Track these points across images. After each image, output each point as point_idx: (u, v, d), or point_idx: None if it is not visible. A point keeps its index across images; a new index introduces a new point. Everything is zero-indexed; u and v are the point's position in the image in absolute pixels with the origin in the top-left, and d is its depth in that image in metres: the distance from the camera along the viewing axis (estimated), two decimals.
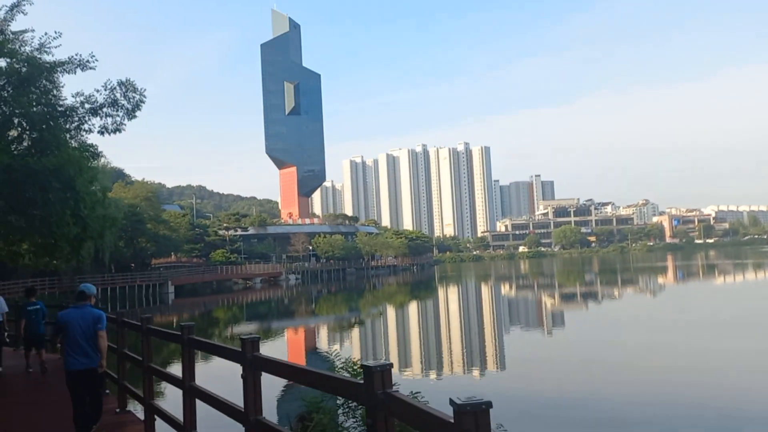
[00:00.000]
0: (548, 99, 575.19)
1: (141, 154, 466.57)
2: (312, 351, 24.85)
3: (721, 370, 16.37)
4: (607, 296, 45.49)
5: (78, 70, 14.51)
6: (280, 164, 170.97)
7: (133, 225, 64.98)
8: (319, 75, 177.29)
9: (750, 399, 13.22)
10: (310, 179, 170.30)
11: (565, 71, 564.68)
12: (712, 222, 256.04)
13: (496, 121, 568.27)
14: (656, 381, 15.05)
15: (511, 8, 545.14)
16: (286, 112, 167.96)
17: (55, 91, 14.48)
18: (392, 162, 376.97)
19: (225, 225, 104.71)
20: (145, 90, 15.02)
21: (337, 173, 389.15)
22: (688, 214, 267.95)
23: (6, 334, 13.49)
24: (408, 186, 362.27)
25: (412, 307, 44.40)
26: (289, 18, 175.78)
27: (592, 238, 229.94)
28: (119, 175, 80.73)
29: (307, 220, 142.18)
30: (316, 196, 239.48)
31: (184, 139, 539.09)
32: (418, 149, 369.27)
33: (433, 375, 17.31)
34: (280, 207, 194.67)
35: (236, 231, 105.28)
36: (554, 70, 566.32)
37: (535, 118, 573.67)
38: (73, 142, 14.70)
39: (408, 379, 16.08)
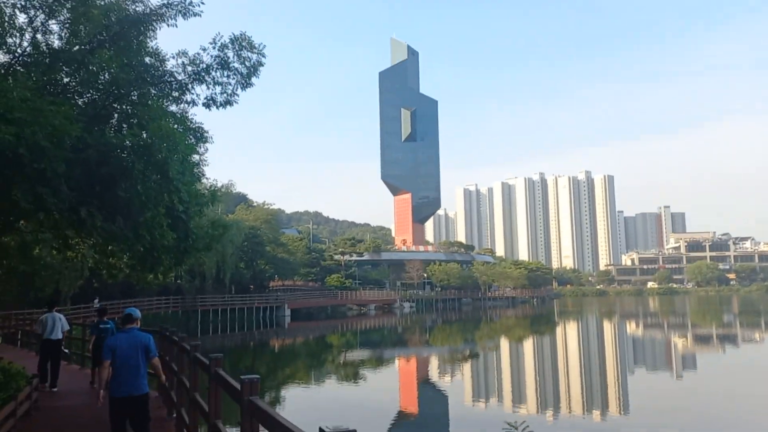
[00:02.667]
0: (674, 124, 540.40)
1: (261, 179, 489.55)
2: (424, 382, 23.49)
3: None
4: (748, 339, 40.25)
5: (179, 17, 11.36)
6: (395, 190, 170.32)
7: (253, 247, 65.47)
8: (436, 101, 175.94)
9: None
10: (425, 206, 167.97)
11: (692, 94, 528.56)
12: None
13: (619, 148, 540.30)
14: None
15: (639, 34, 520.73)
16: (403, 139, 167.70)
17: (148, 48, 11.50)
18: (507, 190, 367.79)
19: (341, 250, 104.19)
20: (264, 48, 11.55)
21: (451, 201, 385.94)
22: None
23: (66, 351, 13.94)
24: (524, 215, 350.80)
25: (531, 342, 41.16)
26: (408, 46, 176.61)
27: (732, 276, 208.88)
28: (242, 199, 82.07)
29: (422, 248, 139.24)
30: (429, 224, 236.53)
31: (303, 166, 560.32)
32: (536, 177, 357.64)
33: (549, 414, 16.09)
34: (393, 234, 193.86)
35: (351, 256, 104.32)
36: (680, 93, 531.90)
37: (660, 145, 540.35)
38: (173, 109, 11.68)
39: (520, 415, 13.86)
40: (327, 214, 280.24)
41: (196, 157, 12.25)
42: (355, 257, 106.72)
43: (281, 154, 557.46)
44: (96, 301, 48.33)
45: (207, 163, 13.32)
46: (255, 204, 79.89)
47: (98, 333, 12.33)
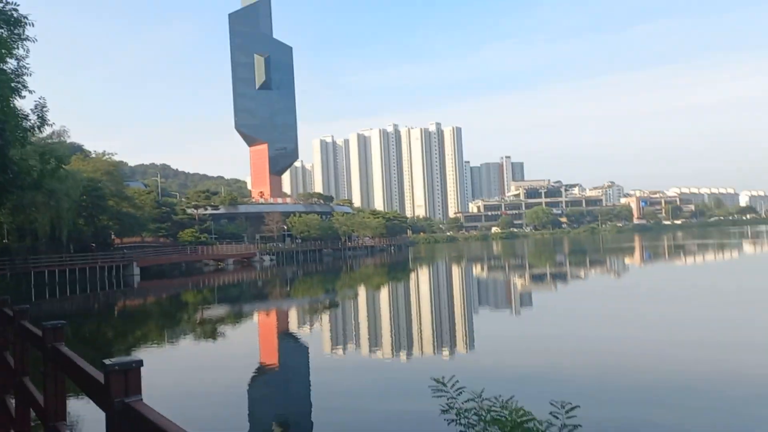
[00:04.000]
0: (518, 83, 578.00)
1: (103, 133, 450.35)
2: (284, 334, 23.47)
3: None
4: (575, 276, 46.32)
5: None
6: (250, 141, 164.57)
7: (93, 201, 60.11)
8: (291, 48, 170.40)
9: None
10: (282, 157, 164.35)
11: (533, 56, 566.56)
12: (678, 203, 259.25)
13: (467, 104, 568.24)
14: (600, 352, 15.12)
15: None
16: (257, 87, 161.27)
17: None
18: (363, 142, 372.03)
19: (194, 203, 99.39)
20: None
21: (308, 153, 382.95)
22: (653, 195, 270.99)
23: None
24: (379, 166, 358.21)
25: (389, 289, 42.53)
26: None
27: (564, 219, 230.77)
28: (77, 149, 74.16)
29: (280, 200, 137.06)
30: (286, 176, 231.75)
31: (148, 117, 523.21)
32: (390, 129, 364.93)
33: (403, 356, 17.05)
34: (250, 186, 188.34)
35: (206, 209, 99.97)
36: (522, 54, 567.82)
37: (503, 100, 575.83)
38: None
39: (379, 360, 16.38)
40: (176, 167, 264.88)
41: (11, 62, 10.13)
42: (210, 211, 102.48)
43: (125, 106, 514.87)
44: None
45: (30, 72, 10.95)
46: (93, 154, 72.59)
47: None
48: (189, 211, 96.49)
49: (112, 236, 69.89)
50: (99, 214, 63.22)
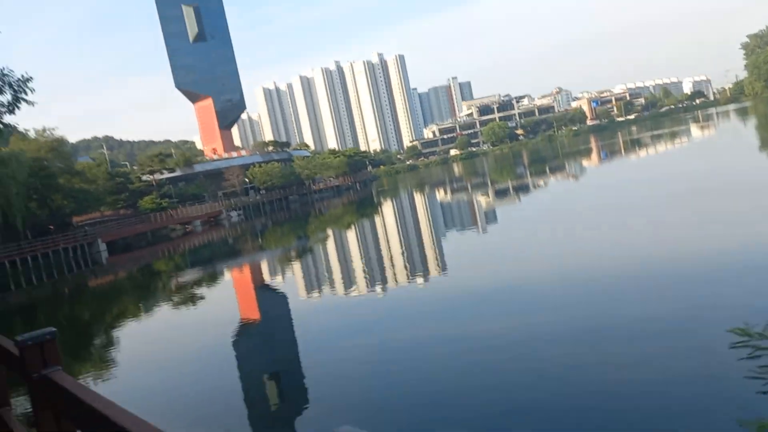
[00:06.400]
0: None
1: (34, 111, 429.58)
2: (261, 287, 23.62)
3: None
4: (536, 186, 47.63)
5: None
6: (194, 98, 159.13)
7: (42, 181, 57.85)
8: None
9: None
10: (229, 110, 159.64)
11: None
12: (628, 98, 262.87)
13: (406, 30, 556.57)
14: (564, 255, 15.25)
15: None
16: (191, 40, 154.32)
17: None
18: (307, 83, 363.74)
19: (149, 168, 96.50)
20: None
21: (252, 103, 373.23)
22: (602, 95, 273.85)
23: None
24: (327, 106, 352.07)
25: (360, 227, 42.83)
26: None
27: (520, 131, 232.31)
28: (10, 132, 70.38)
29: (235, 153, 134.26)
30: (234, 129, 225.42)
31: (83, 90, 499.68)
32: (332, 67, 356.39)
33: (379, 289, 17.44)
34: (200, 146, 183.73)
35: (162, 174, 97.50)
36: None
37: (442, 20, 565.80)
38: None
39: (357, 297, 16.74)
40: (120, 137, 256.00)
41: None
42: (166, 174, 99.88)
43: (55, 80, 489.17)
44: None
45: None
46: (30, 133, 69.17)
47: None
48: (145, 178, 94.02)
49: (70, 216, 67.92)
50: (51, 194, 61.00)
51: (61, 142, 68.36)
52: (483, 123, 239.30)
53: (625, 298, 11.63)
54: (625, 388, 7.62)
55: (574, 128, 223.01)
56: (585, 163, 64.54)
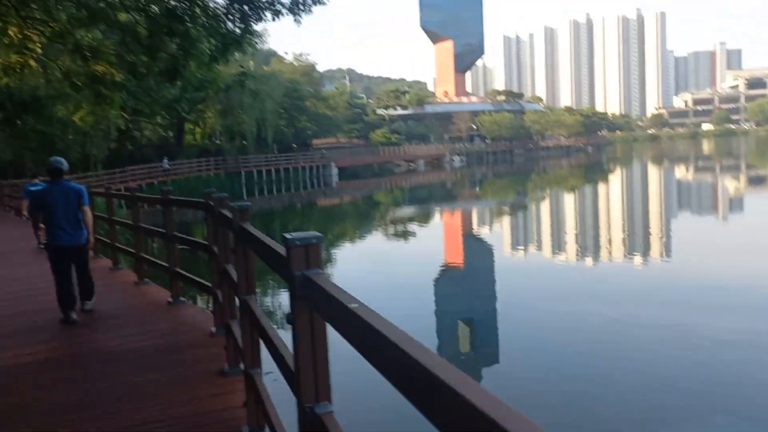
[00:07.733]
0: None
1: (288, 40, 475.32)
2: (470, 235, 23.80)
3: None
4: None
5: None
6: (435, 38, 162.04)
7: (293, 102, 63.56)
8: None
9: None
10: (468, 54, 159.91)
11: None
12: None
13: None
14: None
15: None
16: None
17: None
18: (550, 35, 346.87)
19: (384, 103, 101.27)
20: None
21: (489, 50, 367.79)
22: None
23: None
24: (567, 60, 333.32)
25: (581, 192, 40.13)
26: None
27: None
28: (270, 55, 77.92)
29: (465, 99, 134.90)
30: (466, 76, 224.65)
31: (329, 22, 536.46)
32: (581, 20, 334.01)
33: (589, 260, 16.45)
34: (432, 87, 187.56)
35: (395, 110, 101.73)
36: None
37: None
38: None
39: (562, 263, 16.09)
40: (360, 71, 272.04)
41: None
42: (399, 111, 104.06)
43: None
44: (165, 161, 48.16)
45: None
46: (288, 56, 76.11)
47: (31, 196, 10.65)
48: (379, 111, 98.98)
49: (311, 137, 74.29)
50: (299, 115, 66.90)
51: (312, 68, 74.65)
52: (750, 98, 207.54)
53: None
54: None
55: None
56: None
